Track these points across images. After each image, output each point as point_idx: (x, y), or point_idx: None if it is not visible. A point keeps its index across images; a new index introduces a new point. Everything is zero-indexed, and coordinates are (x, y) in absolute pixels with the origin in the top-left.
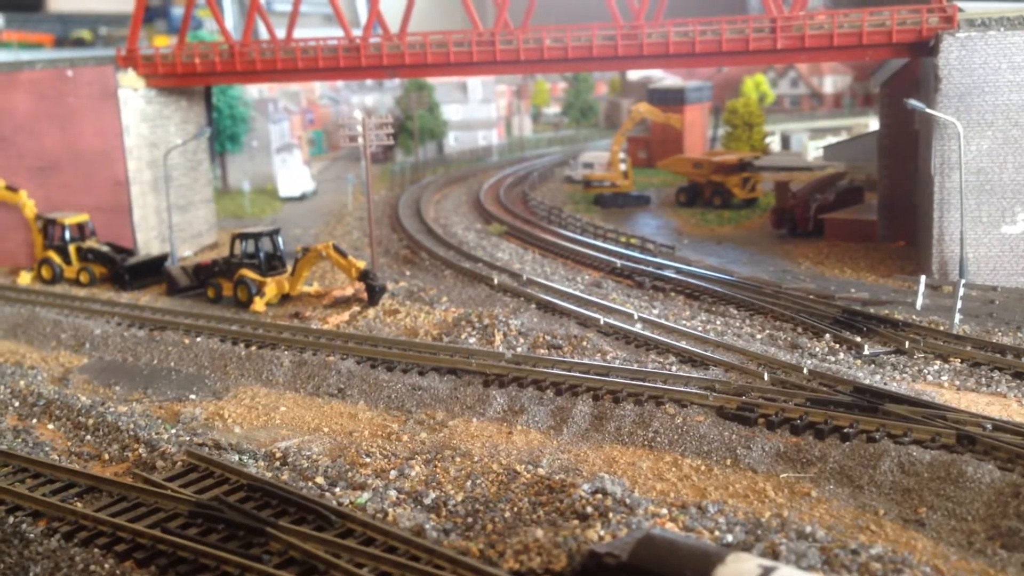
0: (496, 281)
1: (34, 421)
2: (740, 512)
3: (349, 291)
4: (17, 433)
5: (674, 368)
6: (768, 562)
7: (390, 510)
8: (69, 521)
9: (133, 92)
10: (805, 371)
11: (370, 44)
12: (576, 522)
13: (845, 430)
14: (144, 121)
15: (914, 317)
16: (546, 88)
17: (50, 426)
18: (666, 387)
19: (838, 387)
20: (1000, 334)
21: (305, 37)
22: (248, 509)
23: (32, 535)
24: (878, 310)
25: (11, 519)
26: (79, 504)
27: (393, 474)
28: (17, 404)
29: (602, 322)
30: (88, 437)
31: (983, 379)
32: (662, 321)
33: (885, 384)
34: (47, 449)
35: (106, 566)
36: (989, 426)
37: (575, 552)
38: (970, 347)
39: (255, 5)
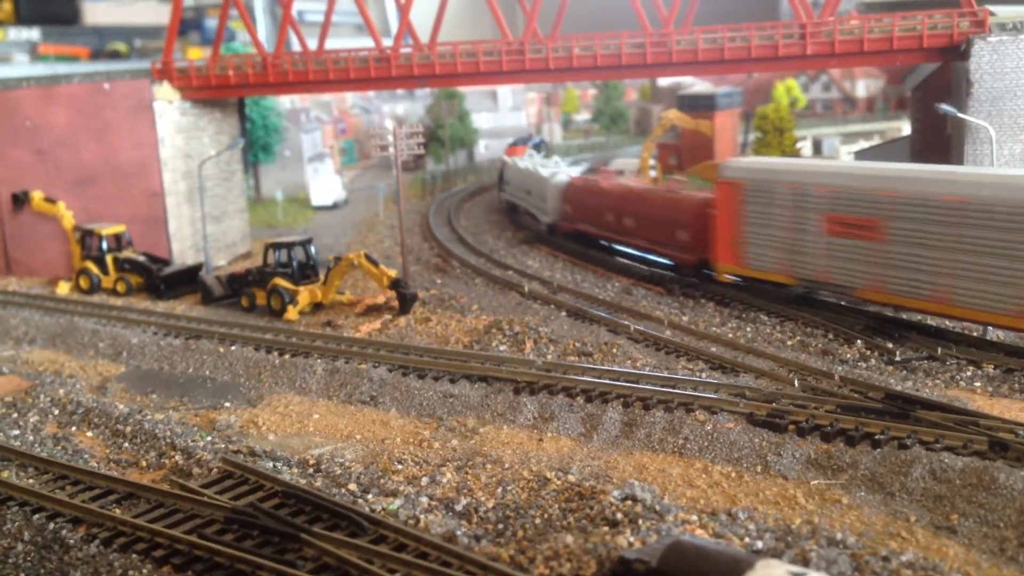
0: (527, 289)
1: (73, 429)
2: (770, 519)
3: (381, 299)
4: (57, 440)
5: (704, 375)
6: (798, 568)
7: (422, 516)
8: (108, 527)
9: (168, 104)
10: (836, 377)
11: (400, 54)
12: (606, 528)
13: (876, 437)
14: (179, 133)
15: (946, 323)
16: (576, 95)
17: (89, 433)
18: (696, 394)
19: (869, 393)
20: None
21: (336, 48)
22: (282, 515)
23: (72, 541)
24: (910, 316)
25: (51, 525)
26: (117, 510)
27: (425, 481)
28: (57, 412)
29: (632, 329)
30: (126, 444)
31: (1016, 385)
32: (692, 327)
33: (917, 390)
34: (86, 456)
35: (144, 571)
36: (1022, 432)
37: (605, 558)
38: (1003, 353)
39: (287, 17)
